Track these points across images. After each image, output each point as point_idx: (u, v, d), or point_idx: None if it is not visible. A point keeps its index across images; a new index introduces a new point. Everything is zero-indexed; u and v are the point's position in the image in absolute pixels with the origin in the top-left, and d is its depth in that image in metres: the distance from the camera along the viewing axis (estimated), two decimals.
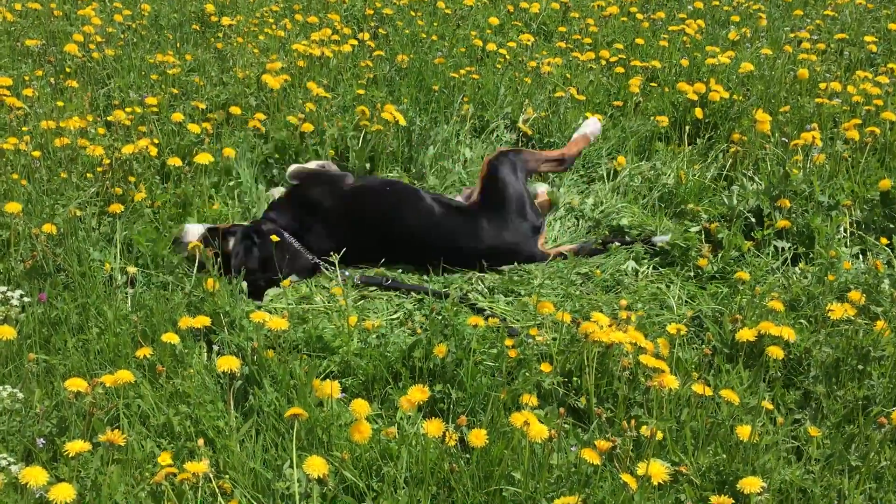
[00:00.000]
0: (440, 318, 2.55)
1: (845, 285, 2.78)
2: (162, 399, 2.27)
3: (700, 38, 5.02)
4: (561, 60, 4.76)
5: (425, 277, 3.13)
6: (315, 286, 3.05)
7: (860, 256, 3.10)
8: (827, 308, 2.54)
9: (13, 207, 2.87)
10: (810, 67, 4.38)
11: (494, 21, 5.28)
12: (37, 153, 3.34)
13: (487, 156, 3.46)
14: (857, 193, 3.30)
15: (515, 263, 3.16)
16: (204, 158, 3.24)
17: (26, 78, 4.16)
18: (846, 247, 3.10)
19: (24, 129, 3.55)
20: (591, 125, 3.81)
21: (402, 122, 3.77)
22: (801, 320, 2.66)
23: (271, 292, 2.97)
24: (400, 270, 3.18)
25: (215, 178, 3.46)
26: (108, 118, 3.71)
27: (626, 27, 5.38)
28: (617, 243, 3.21)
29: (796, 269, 2.99)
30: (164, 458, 1.96)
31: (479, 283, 3.07)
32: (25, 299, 2.49)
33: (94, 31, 4.61)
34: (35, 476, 1.82)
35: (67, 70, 4.29)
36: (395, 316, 2.89)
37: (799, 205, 3.25)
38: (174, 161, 3.27)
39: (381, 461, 2.08)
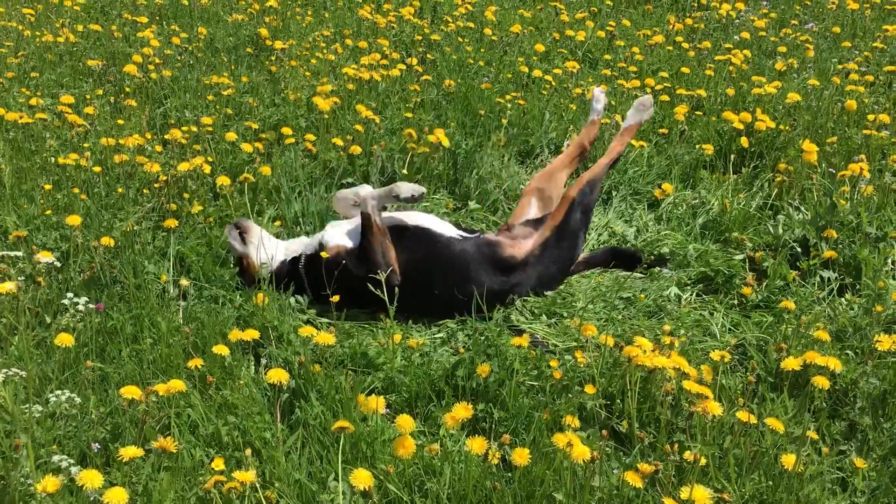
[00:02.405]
0: (483, 338, 2.58)
1: (893, 317, 2.76)
2: (211, 409, 2.33)
3: (746, 68, 5.01)
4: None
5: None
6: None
7: None
8: (874, 339, 2.51)
9: (73, 220, 2.98)
10: (858, 99, 4.35)
11: (540, 48, 5.34)
12: (97, 169, 3.46)
13: (561, 206, 3.23)
14: None
15: None
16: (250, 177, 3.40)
17: (87, 97, 4.32)
18: (894, 279, 3.06)
19: (84, 145, 3.69)
20: (600, 99, 3.62)
21: (446, 143, 3.82)
22: (848, 351, 2.64)
23: (317, 307, 3.03)
24: None
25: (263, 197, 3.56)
26: (165, 136, 3.83)
27: (671, 56, 5.40)
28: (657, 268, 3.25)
29: (842, 299, 2.97)
30: (218, 464, 2.01)
31: (522, 304, 3.09)
32: (90, 306, 2.58)
33: (153, 52, 4.77)
34: (91, 479, 1.88)
35: (126, 90, 4.44)
36: (438, 335, 2.92)
37: (846, 236, 3.23)
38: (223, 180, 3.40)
39: (424, 476, 2.11)
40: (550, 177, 3.43)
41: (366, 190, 3.05)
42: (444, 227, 3.11)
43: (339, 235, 3.06)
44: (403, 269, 2.96)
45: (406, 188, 3.00)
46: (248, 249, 3.06)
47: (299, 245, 3.13)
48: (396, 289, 2.75)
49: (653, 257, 3.35)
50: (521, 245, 3.16)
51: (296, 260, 3.06)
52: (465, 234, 3.13)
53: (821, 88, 4.56)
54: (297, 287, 3.00)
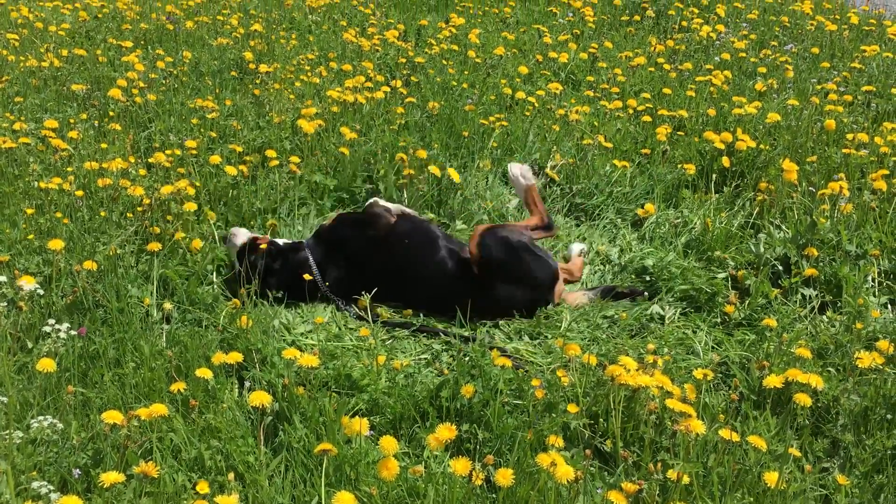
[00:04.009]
0: (467, 358, 2.59)
1: (874, 334, 2.78)
2: (194, 433, 2.32)
3: (727, 89, 5.07)
4: (589, 109, 4.83)
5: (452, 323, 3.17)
6: (345, 326, 3.10)
7: (888, 306, 3.09)
8: (855, 356, 2.54)
9: (56, 244, 2.97)
10: (837, 118, 4.40)
11: (524, 70, 5.38)
12: (80, 193, 3.45)
13: (475, 234, 3.29)
14: (885, 244, 3.31)
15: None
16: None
17: (71, 121, 4.32)
18: (874, 296, 3.10)
19: (68, 169, 3.68)
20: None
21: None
22: (829, 368, 2.66)
23: (301, 328, 3.04)
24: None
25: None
26: (149, 160, 3.83)
27: (653, 77, 5.45)
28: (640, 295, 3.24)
29: (824, 317, 3.00)
30: (201, 488, 2.00)
31: (507, 325, 3.10)
32: (72, 332, 2.56)
33: (137, 76, 4.78)
34: None
35: (111, 114, 4.44)
36: (422, 356, 2.92)
37: (826, 254, 3.26)
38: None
39: (407, 498, 2.10)
40: None
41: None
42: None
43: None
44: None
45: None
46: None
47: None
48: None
49: (633, 276, 3.36)
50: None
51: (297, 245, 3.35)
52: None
53: (800, 108, 4.62)
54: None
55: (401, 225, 3.33)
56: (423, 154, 3.87)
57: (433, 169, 3.78)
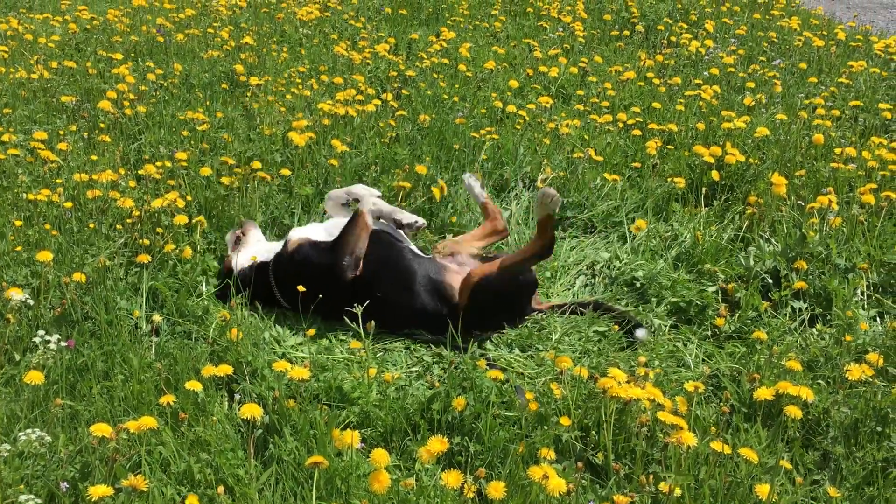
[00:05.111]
0: (459, 371, 2.58)
1: (863, 347, 2.79)
2: (183, 446, 2.30)
3: (716, 103, 5.10)
4: (579, 122, 4.85)
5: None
6: (335, 338, 3.09)
7: (878, 319, 3.11)
8: (845, 369, 2.55)
9: (44, 256, 2.95)
10: (825, 133, 4.44)
11: (514, 84, 5.40)
12: (69, 204, 3.44)
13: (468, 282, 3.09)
14: (874, 257, 3.33)
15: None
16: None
17: (61, 133, 4.30)
18: (863, 309, 3.11)
19: (57, 181, 3.67)
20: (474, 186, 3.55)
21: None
22: (819, 381, 2.66)
23: (292, 340, 3.03)
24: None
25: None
26: (139, 172, 3.81)
27: (643, 91, 5.48)
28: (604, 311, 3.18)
29: (814, 329, 3.01)
30: (190, 502, 1.98)
31: (498, 336, 3.10)
32: (62, 344, 2.54)
33: (128, 88, 4.77)
34: None
35: (101, 125, 4.43)
36: (413, 368, 2.92)
37: (816, 267, 3.28)
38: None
39: None
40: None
41: (361, 188, 3.26)
42: (400, 236, 3.30)
43: (302, 231, 3.25)
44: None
45: (409, 216, 3.21)
46: (235, 252, 3.28)
47: (265, 251, 3.28)
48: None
49: (624, 288, 3.37)
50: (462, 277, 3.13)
51: (263, 265, 3.19)
52: (419, 253, 3.29)
53: (789, 123, 4.65)
54: (266, 291, 3.15)
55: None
56: (422, 170, 3.86)
57: (419, 169, 3.79)
